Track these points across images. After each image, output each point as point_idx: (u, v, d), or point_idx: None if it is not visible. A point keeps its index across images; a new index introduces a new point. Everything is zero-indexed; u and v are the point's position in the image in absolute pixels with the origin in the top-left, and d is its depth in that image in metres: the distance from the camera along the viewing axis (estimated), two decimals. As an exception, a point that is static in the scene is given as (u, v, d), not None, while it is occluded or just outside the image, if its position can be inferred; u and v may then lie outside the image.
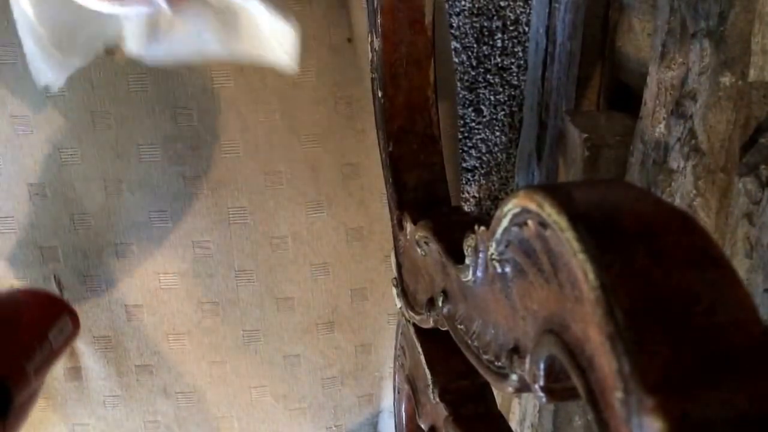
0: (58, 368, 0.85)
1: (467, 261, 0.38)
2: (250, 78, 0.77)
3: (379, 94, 0.61)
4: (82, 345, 0.84)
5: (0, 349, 0.70)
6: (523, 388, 0.33)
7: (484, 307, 0.37)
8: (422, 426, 0.60)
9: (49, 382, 0.86)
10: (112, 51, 0.75)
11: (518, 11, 1.56)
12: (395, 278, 0.63)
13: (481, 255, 0.35)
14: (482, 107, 1.62)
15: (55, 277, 0.82)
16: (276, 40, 0.57)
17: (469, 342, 0.40)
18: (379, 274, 0.85)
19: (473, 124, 1.63)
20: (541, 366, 0.29)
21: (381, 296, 0.86)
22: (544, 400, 0.30)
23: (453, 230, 0.48)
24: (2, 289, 0.80)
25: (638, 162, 0.83)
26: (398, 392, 0.72)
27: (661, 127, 0.78)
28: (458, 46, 1.58)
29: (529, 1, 1.54)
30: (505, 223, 0.30)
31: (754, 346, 0.22)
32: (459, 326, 0.42)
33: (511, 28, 1.57)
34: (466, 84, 1.61)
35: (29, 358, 0.71)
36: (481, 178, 1.66)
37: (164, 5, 0.52)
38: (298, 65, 0.59)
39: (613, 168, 0.90)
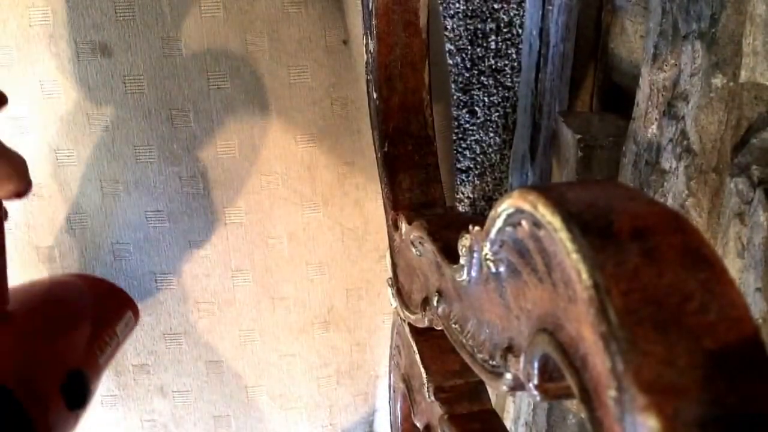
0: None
1: (462, 261, 0.38)
2: (246, 79, 0.77)
3: (374, 96, 0.61)
4: (79, 345, 0.85)
5: (79, 341, 0.71)
6: (517, 386, 0.33)
7: (478, 307, 0.37)
8: (417, 424, 0.60)
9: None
10: (108, 52, 0.75)
11: (512, 14, 1.56)
12: (390, 278, 0.64)
13: (475, 255, 0.36)
14: (476, 108, 1.62)
15: (51, 277, 0.82)
16: None
17: (464, 341, 0.40)
18: (375, 274, 0.85)
19: (467, 125, 1.63)
20: (535, 365, 0.29)
21: (376, 296, 0.86)
22: (538, 398, 0.30)
23: (447, 230, 0.48)
24: (64, 276, 0.81)
25: (631, 163, 0.83)
26: (393, 391, 0.72)
27: (653, 128, 0.78)
28: (452, 48, 1.58)
29: (523, 4, 1.55)
30: (499, 223, 0.30)
31: (746, 344, 0.22)
32: (454, 325, 0.43)
33: (504, 30, 1.58)
34: (461, 86, 1.61)
35: (102, 351, 0.73)
36: (476, 178, 1.67)
37: None
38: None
39: (606, 168, 0.91)
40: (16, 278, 0.81)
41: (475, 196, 1.68)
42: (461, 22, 1.57)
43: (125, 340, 0.80)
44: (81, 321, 0.74)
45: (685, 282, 0.23)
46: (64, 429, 0.64)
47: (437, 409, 0.53)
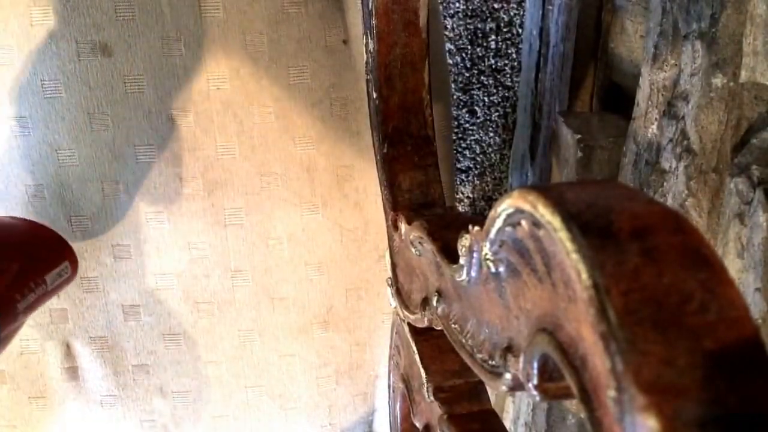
0: (56, 368, 0.85)
1: (461, 261, 0.38)
2: (245, 80, 0.77)
3: (374, 96, 0.61)
4: (79, 345, 0.85)
5: None
6: (516, 386, 0.33)
7: (478, 307, 0.37)
8: (417, 424, 0.60)
9: (46, 382, 0.86)
10: (109, 52, 0.75)
11: (512, 13, 1.56)
12: (390, 278, 0.64)
13: (475, 255, 0.36)
14: (476, 108, 1.62)
15: (51, 277, 0.82)
16: None
17: (463, 341, 0.40)
18: (374, 274, 0.85)
19: (467, 125, 1.63)
20: (535, 365, 0.29)
21: (376, 296, 0.86)
22: (537, 398, 0.30)
23: (447, 230, 0.48)
24: (8, 217, 0.78)
25: (631, 162, 0.83)
26: (393, 391, 0.72)
27: (653, 128, 0.78)
28: (452, 47, 1.58)
29: (523, 4, 1.55)
30: (498, 223, 0.30)
31: (746, 345, 0.22)
32: (453, 325, 0.43)
33: (504, 30, 1.58)
34: (460, 85, 1.61)
35: (23, 296, 0.69)
36: (475, 178, 1.67)
37: None
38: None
39: (606, 168, 0.90)
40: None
41: (475, 196, 1.68)
42: (461, 22, 1.57)
43: (56, 290, 0.76)
44: (4, 262, 0.70)
45: (684, 282, 0.23)
46: None
47: (437, 409, 0.53)
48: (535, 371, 0.29)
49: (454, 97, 1.61)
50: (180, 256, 0.82)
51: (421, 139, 0.61)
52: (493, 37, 1.58)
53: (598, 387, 0.23)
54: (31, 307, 0.71)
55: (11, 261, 0.71)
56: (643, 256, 0.23)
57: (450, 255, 0.43)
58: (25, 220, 0.78)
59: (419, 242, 0.52)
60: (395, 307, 0.63)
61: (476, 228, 0.35)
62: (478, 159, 1.65)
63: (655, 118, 0.78)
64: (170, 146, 0.78)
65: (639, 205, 0.25)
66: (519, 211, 0.28)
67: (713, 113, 0.68)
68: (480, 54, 1.59)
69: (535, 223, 0.27)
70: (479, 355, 0.38)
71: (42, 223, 0.79)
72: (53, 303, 0.83)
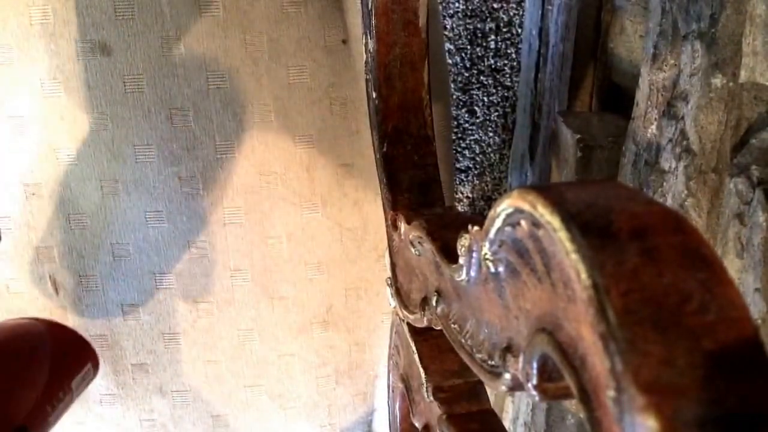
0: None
1: (461, 261, 0.38)
2: (245, 79, 0.77)
3: (374, 95, 0.61)
4: (78, 344, 0.85)
5: (29, 396, 0.68)
6: (516, 386, 0.33)
7: (477, 307, 0.37)
8: (416, 424, 0.60)
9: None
10: (108, 51, 0.75)
11: (511, 13, 1.56)
12: (389, 278, 0.63)
13: (474, 255, 0.36)
14: (476, 108, 1.62)
15: (50, 277, 0.82)
16: None
17: (463, 341, 0.40)
18: (374, 274, 0.85)
19: (467, 125, 1.63)
20: (534, 365, 0.29)
21: (375, 295, 0.86)
22: (537, 398, 0.30)
23: (447, 230, 0.48)
24: (27, 322, 0.78)
25: (630, 162, 0.83)
26: (392, 391, 0.72)
27: (653, 128, 0.78)
28: (452, 47, 1.58)
29: (522, 3, 1.55)
30: (498, 223, 0.30)
31: (746, 345, 0.22)
32: (452, 325, 0.42)
33: (504, 30, 1.58)
34: (460, 85, 1.61)
35: (53, 408, 0.70)
36: (475, 178, 1.67)
37: None
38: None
39: (605, 168, 0.90)
40: (16, 279, 0.81)
41: (475, 195, 1.68)
42: (461, 22, 1.57)
43: (81, 394, 0.76)
44: (35, 375, 0.70)
45: (684, 282, 0.22)
46: None
47: (436, 409, 0.53)
48: (535, 371, 0.29)
49: (454, 96, 1.61)
50: (179, 255, 0.82)
51: (421, 139, 0.61)
52: (493, 37, 1.58)
53: (598, 387, 0.23)
54: (59, 416, 0.71)
55: (41, 372, 0.71)
56: (642, 256, 0.23)
57: (449, 255, 0.43)
58: (46, 321, 0.79)
59: (419, 242, 0.51)
60: (394, 307, 0.63)
61: (476, 228, 0.35)
62: (478, 159, 1.66)
63: (655, 118, 0.77)
64: (169, 145, 0.78)
65: (639, 205, 0.25)
66: (518, 211, 0.28)
67: (713, 113, 0.68)
68: (479, 54, 1.59)
69: (535, 223, 0.27)
70: (478, 355, 0.37)
71: (64, 325, 0.79)
72: (53, 302, 0.83)
